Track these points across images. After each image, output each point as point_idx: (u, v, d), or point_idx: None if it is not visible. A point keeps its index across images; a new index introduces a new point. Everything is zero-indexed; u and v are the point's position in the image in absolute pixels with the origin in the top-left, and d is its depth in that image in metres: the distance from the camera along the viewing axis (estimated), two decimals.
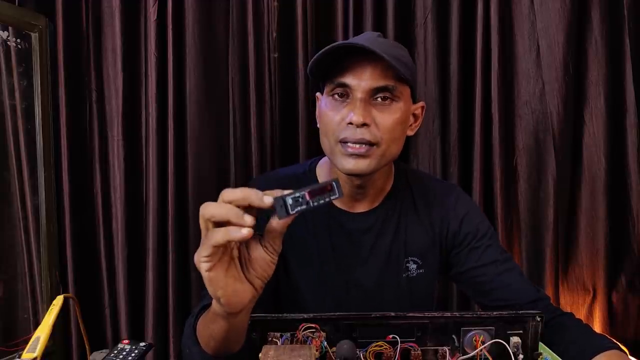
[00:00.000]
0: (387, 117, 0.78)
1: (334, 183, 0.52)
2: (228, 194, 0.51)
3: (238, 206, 0.50)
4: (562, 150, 1.32)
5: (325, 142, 0.82)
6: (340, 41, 0.80)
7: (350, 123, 0.76)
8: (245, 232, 0.49)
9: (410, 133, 0.87)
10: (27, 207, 1.42)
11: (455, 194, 0.94)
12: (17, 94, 1.39)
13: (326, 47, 0.75)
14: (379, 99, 0.78)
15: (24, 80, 1.38)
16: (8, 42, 1.38)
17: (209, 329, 0.66)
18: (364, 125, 0.76)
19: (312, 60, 0.77)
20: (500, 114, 1.32)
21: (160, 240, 1.39)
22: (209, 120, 1.40)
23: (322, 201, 0.51)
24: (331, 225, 0.89)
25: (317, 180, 0.91)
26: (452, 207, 0.91)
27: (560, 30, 1.28)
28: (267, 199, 0.50)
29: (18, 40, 1.37)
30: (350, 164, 0.78)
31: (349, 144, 0.77)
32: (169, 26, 1.35)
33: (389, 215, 0.90)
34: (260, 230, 0.54)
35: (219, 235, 0.50)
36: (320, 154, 0.96)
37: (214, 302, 0.58)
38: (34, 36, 1.30)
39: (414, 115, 0.87)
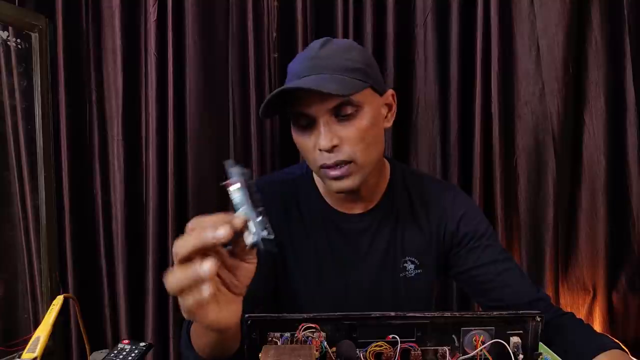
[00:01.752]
0: (354, 131, 0.77)
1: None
2: (180, 249, 0.45)
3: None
4: (562, 150, 1.31)
5: (310, 165, 0.84)
6: (287, 80, 0.79)
7: (320, 150, 0.77)
8: (206, 292, 0.45)
9: (387, 125, 0.85)
10: (27, 207, 1.42)
11: (453, 193, 0.94)
12: (17, 94, 1.39)
13: (268, 97, 0.75)
14: (341, 115, 0.77)
15: (24, 80, 1.38)
16: (8, 42, 1.38)
17: (202, 340, 0.66)
18: (334, 147, 0.76)
19: (262, 106, 0.76)
20: (500, 114, 1.32)
21: (160, 240, 1.39)
22: (209, 120, 1.40)
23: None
24: (328, 226, 0.90)
25: (315, 185, 0.92)
26: (450, 207, 0.91)
27: (560, 30, 1.28)
28: (224, 231, 0.45)
29: (18, 40, 1.38)
30: (336, 186, 0.80)
31: (328, 169, 0.78)
32: (169, 26, 1.35)
33: (385, 215, 0.90)
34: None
35: (189, 303, 0.45)
36: None
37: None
38: (34, 36, 1.30)
39: (387, 105, 0.85)
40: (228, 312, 0.51)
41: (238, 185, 0.49)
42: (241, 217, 0.48)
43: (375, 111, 0.80)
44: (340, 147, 0.76)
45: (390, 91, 0.86)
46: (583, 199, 1.34)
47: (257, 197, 0.49)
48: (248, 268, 0.53)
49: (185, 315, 0.48)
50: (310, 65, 0.77)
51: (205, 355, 0.68)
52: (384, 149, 0.86)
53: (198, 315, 0.47)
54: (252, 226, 0.48)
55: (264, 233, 0.48)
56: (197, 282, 0.45)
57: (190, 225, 0.47)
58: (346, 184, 0.79)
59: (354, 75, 0.75)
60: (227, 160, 0.50)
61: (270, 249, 0.48)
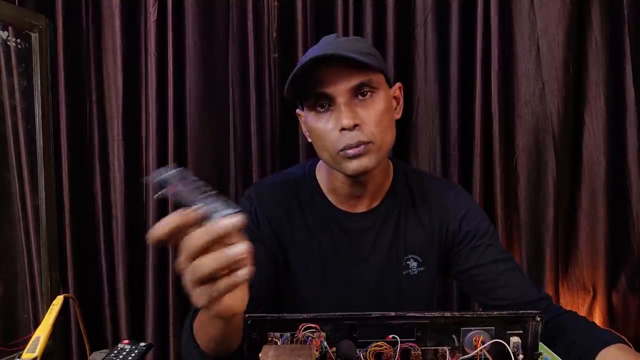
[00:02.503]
0: (373, 111, 0.79)
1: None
2: (193, 242, 0.46)
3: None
4: (562, 150, 1.31)
5: (326, 155, 0.83)
6: (301, 61, 0.79)
7: (343, 129, 0.77)
8: (244, 273, 0.47)
9: (397, 116, 0.88)
10: (27, 207, 1.42)
11: (455, 192, 0.94)
12: (17, 94, 1.39)
13: (295, 68, 0.76)
14: (360, 96, 0.79)
15: (24, 80, 1.38)
16: (8, 42, 1.38)
17: (207, 332, 0.66)
18: (355, 126, 0.77)
19: (287, 84, 0.78)
20: (500, 114, 1.32)
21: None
22: (209, 120, 1.40)
23: None
24: (331, 225, 0.90)
25: (317, 185, 0.92)
26: (452, 206, 0.91)
27: (560, 30, 1.28)
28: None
29: (18, 40, 1.38)
30: (354, 165, 0.79)
31: (350, 149, 0.78)
32: (169, 26, 1.35)
33: (388, 214, 0.90)
34: None
35: (222, 286, 0.47)
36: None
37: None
38: (34, 36, 1.30)
39: (395, 98, 0.87)
40: (238, 297, 0.52)
41: (175, 188, 0.49)
42: (194, 210, 0.47)
43: (387, 98, 0.83)
44: (361, 127, 0.78)
45: (398, 84, 0.89)
46: (583, 199, 1.34)
47: (199, 183, 0.49)
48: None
49: (202, 303, 0.48)
50: (330, 47, 0.78)
51: (211, 350, 0.68)
52: (394, 140, 0.86)
53: (219, 302, 0.48)
54: (214, 212, 0.47)
55: (228, 211, 0.47)
56: (230, 265, 0.46)
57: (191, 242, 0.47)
58: (364, 162, 0.79)
59: (369, 59, 0.77)
60: (147, 177, 0.49)
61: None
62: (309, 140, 0.87)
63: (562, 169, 1.32)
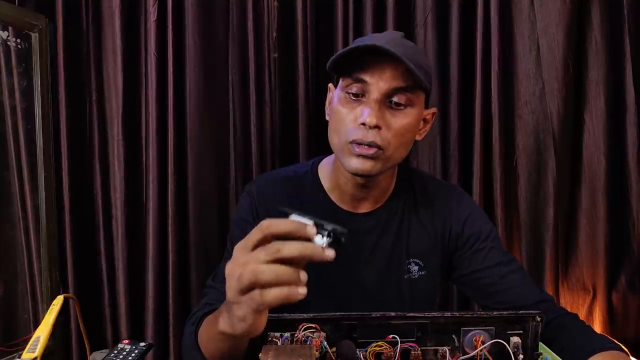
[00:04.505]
0: (399, 122, 0.78)
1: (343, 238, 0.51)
2: (286, 250, 0.49)
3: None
4: (562, 150, 1.32)
5: (335, 139, 0.81)
6: (362, 40, 0.79)
7: (363, 124, 0.76)
8: (303, 291, 0.49)
9: (418, 138, 0.87)
10: (27, 207, 1.42)
11: (458, 196, 0.94)
12: (17, 94, 1.39)
13: (348, 47, 0.76)
14: (394, 103, 0.78)
15: (24, 80, 1.38)
16: (8, 42, 1.38)
17: (216, 345, 0.66)
18: (375, 127, 0.76)
19: (333, 57, 0.77)
20: (500, 114, 1.32)
21: (160, 240, 1.39)
22: (209, 120, 1.40)
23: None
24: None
25: (320, 182, 0.91)
26: (455, 209, 0.91)
27: (560, 30, 1.28)
28: (310, 229, 0.50)
29: (18, 40, 1.37)
30: (356, 164, 0.78)
31: (359, 145, 0.77)
32: (169, 26, 1.35)
33: (391, 216, 0.90)
34: None
35: (271, 298, 0.48)
36: (320, 153, 0.96)
37: (227, 326, 0.55)
38: (34, 36, 1.30)
39: (424, 120, 0.87)
40: (263, 319, 0.55)
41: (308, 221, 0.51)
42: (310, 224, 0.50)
43: (418, 117, 0.82)
44: (381, 131, 0.77)
45: (433, 109, 0.89)
46: (583, 199, 1.34)
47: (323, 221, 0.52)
48: None
49: (242, 313, 0.51)
50: (394, 43, 0.76)
51: (215, 359, 0.68)
52: (405, 158, 0.86)
53: (252, 320, 0.51)
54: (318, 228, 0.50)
55: (338, 228, 0.50)
56: (291, 281, 0.48)
57: (265, 224, 0.50)
58: (367, 165, 0.78)
59: (422, 75, 0.76)
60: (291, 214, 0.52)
61: (342, 235, 0.50)
62: (327, 117, 0.86)
63: (562, 169, 1.32)
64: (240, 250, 0.51)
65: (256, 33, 1.38)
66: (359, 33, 1.35)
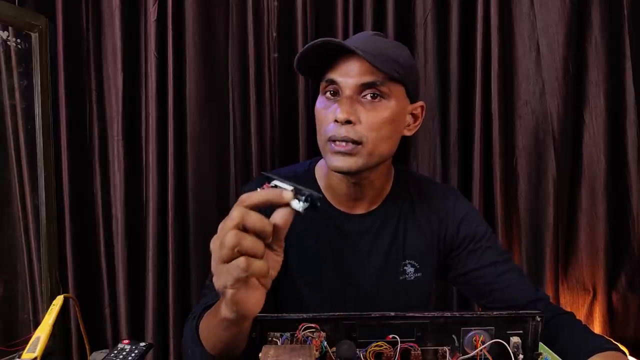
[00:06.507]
0: (374, 115, 0.78)
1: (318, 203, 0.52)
2: (248, 199, 0.51)
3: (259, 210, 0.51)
4: (562, 150, 1.31)
5: (318, 140, 0.84)
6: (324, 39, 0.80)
7: (336, 120, 0.77)
8: (266, 267, 0.50)
9: (408, 133, 0.87)
10: (27, 207, 1.42)
11: (454, 197, 0.94)
12: (17, 94, 1.39)
13: (308, 44, 0.77)
14: (368, 97, 0.79)
15: (24, 80, 1.38)
16: (8, 42, 1.38)
17: (217, 334, 0.65)
18: (348, 122, 0.77)
19: (296, 56, 0.79)
20: (500, 114, 1.32)
21: (160, 240, 1.39)
22: (209, 120, 1.40)
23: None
24: (329, 226, 0.89)
25: (317, 183, 0.91)
26: (451, 210, 0.91)
27: (560, 30, 1.28)
28: (286, 194, 0.51)
29: (18, 40, 1.37)
30: (337, 162, 0.79)
31: (335, 142, 0.78)
32: (169, 26, 1.35)
33: (387, 217, 0.90)
34: None
35: (240, 270, 0.49)
36: (320, 153, 0.96)
37: (226, 311, 0.55)
38: (34, 36, 1.30)
39: (413, 115, 0.87)
40: (254, 298, 0.53)
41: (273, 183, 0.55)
42: (288, 188, 0.52)
43: (399, 111, 0.81)
44: (354, 126, 0.77)
45: (421, 103, 0.87)
46: (583, 199, 1.34)
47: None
48: (276, 259, 0.55)
49: (224, 282, 0.51)
50: (361, 41, 0.78)
51: (217, 351, 0.68)
52: (393, 153, 0.86)
53: (239, 295, 0.51)
54: (296, 194, 0.52)
55: (314, 193, 0.51)
56: (261, 253, 0.50)
57: (242, 197, 0.51)
58: (348, 162, 0.78)
59: (393, 66, 0.76)
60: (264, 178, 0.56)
61: (318, 200, 0.51)
62: None
63: (562, 169, 1.32)
64: (222, 226, 0.52)
65: (256, 33, 1.37)
66: (359, 33, 1.35)
